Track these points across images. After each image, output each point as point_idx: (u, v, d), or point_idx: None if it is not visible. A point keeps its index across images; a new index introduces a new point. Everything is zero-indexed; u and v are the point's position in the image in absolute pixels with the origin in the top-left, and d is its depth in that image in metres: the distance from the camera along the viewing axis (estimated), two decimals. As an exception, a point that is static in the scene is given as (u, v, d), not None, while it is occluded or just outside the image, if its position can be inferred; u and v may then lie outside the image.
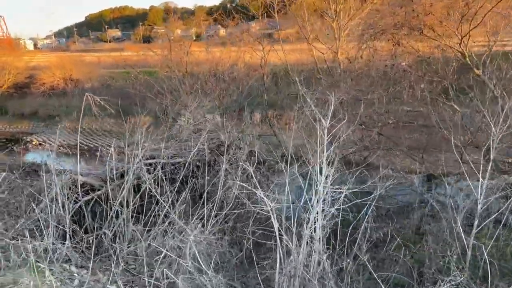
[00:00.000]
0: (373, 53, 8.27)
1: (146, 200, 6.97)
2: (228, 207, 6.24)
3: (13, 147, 28.69)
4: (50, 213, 6.33)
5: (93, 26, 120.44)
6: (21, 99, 36.09)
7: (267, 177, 7.60)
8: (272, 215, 4.31)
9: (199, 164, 7.62)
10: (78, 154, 7.12)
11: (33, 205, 6.48)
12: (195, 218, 6.44)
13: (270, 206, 4.39)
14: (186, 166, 7.62)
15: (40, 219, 6.08)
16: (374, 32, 7.84)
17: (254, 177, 4.73)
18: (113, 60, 48.47)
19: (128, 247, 5.43)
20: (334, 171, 4.49)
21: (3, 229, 6.18)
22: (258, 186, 4.61)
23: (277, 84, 15.34)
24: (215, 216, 6.07)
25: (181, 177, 7.27)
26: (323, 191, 4.61)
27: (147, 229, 6.30)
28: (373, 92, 6.45)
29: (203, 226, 6.52)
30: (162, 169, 7.50)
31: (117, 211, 6.81)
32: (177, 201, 6.97)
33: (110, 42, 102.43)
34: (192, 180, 7.21)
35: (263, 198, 4.44)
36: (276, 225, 4.29)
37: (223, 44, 17.70)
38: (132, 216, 6.65)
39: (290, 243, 4.34)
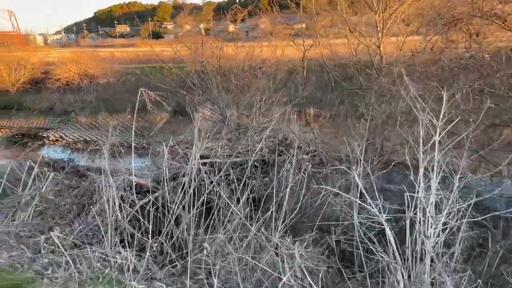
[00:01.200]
0: (445, 44, 7.65)
1: (205, 204, 6.43)
2: (319, 215, 5.67)
3: (28, 143, 28.53)
4: (108, 217, 5.84)
5: (102, 22, 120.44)
6: (37, 94, 35.81)
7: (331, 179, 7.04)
8: (386, 227, 3.75)
9: (257, 164, 7.08)
10: (133, 152, 6.60)
11: (92, 209, 5.98)
12: (259, 222, 5.92)
13: (382, 216, 3.82)
14: (241, 166, 7.08)
15: (100, 224, 5.57)
16: (446, 22, 7.22)
17: (360, 184, 4.13)
18: (127, 55, 48.26)
19: (204, 257, 4.89)
20: (461, 176, 3.92)
21: (63, 235, 5.68)
22: (363, 193, 4.05)
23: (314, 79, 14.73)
24: (294, 224, 5.52)
25: (241, 179, 6.73)
26: (435, 198, 4.02)
27: (211, 236, 5.77)
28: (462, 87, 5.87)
29: (269, 233, 5.99)
30: (218, 169, 6.98)
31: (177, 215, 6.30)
32: (238, 203, 6.46)
33: (118, 37, 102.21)
34: (252, 182, 6.66)
35: (371, 207, 3.87)
36: (391, 238, 3.73)
37: (251, 39, 17.08)
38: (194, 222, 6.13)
39: (401, 262, 3.78)
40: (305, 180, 6.28)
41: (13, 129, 32.10)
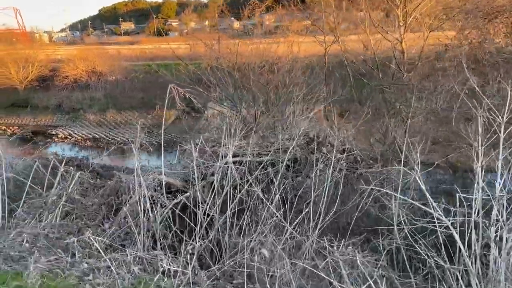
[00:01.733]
0: (483, 38, 7.36)
1: (237, 205, 6.18)
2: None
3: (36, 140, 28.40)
4: (141, 218, 5.61)
5: (106, 19, 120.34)
6: (45, 92, 35.73)
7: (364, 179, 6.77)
8: (454, 232, 3.49)
9: (289, 163, 6.82)
10: (163, 151, 6.36)
11: (123, 209, 5.75)
12: (295, 224, 5.67)
13: (448, 220, 3.56)
14: (272, 165, 6.83)
15: (132, 226, 5.35)
16: (485, 15, 6.93)
17: (422, 186, 3.84)
18: (133, 52, 48.05)
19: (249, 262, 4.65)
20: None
21: (95, 237, 5.46)
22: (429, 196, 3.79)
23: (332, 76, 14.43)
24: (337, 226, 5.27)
25: (273, 178, 6.48)
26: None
27: (250, 239, 5.53)
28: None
29: (303, 234, 5.75)
30: (248, 168, 6.73)
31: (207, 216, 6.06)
32: (271, 203, 6.22)
33: (123, 35, 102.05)
34: (285, 182, 6.41)
35: (436, 210, 3.61)
36: (460, 244, 3.47)
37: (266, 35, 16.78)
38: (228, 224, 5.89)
39: (474, 271, 3.51)
40: (341, 179, 6.02)
41: (28, 127, 31.93)
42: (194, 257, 5.27)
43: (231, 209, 5.83)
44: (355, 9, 13.31)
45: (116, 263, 4.52)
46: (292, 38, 14.35)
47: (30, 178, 6.81)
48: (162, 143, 6.44)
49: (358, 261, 3.60)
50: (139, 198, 6.00)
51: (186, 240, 5.86)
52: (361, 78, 12.09)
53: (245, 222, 6.14)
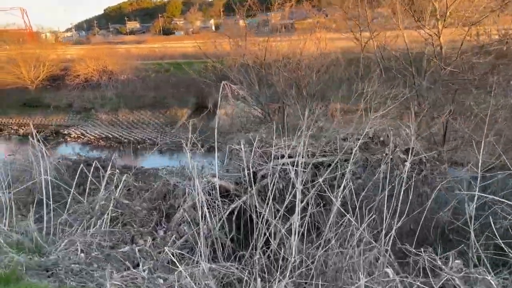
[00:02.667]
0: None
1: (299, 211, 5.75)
2: None
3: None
4: (200, 224, 5.20)
5: (111, 19, 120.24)
6: (56, 91, 35.46)
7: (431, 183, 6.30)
8: None
9: (347, 165, 6.38)
10: (216, 152, 5.93)
11: (179, 216, 5.35)
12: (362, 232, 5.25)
13: None
14: (328, 166, 6.39)
15: (195, 235, 4.95)
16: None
17: None
18: (142, 51, 47.70)
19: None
20: None
21: (148, 245, 5.07)
22: None
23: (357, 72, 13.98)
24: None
25: (331, 181, 6.05)
26: None
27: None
28: None
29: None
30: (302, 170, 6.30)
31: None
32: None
33: (129, 34, 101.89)
34: (346, 185, 5.97)
35: None
36: None
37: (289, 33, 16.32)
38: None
39: None
40: (412, 182, 5.58)
41: (41, 127, 31.61)
42: (257, 267, 4.88)
43: (298, 214, 5.40)
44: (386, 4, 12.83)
45: (187, 273, 4.12)
46: (319, 35, 13.89)
47: (73, 187, 6.43)
48: (216, 144, 6.02)
49: (492, 283, 3.15)
50: (195, 203, 5.61)
51: (244, 248, 5.46)
52: (397, 75, 11.62)
53: (305, 228, 5.73)
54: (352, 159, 5.75)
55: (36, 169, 7.17)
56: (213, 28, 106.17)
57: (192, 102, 33.12)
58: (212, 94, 34.68)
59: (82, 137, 29.48)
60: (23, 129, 32.59)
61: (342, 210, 5.89)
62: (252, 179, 6.25)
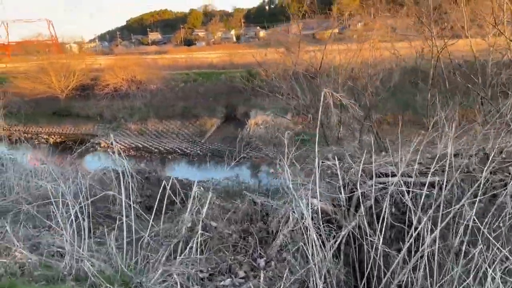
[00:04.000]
0: None
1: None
2: None
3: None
4: (310, 256, 4.45)
5: (133, 30, 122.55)
6: (85, 101, 35.64)
7: None
8: None
9: (464, 185, 5.57)
10: (318, 170, 5.20)
11: (286, 241, 4.62)
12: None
13: None
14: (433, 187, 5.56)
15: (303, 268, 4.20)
16: None
17: None
18: (167, 61, 47.88)
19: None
20: None
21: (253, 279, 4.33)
22: None
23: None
24: None
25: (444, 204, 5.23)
26: None
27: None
28: None
29: None
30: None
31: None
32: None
33: (151, 45, 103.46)
34: (463, 209, 5.14)
35: None
36: None
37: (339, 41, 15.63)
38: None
39: None
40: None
41: (71, 136, 31.65)
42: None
43: (421, 250, 4.59)
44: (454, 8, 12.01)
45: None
46: (375, 42, 13.13)
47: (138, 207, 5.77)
48: (317, 160, 5.27)
49: None
50: (295, 227, 4.87)
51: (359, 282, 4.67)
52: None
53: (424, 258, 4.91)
54: (474, 181, 4.93)
55: (115, 185, 6.63)
56: (234, 38, 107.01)
57: (221, 112, 32.73)
58: (240, 104, 34.49)
59: (113, 146, 29.25)
60: (52, 138, 32.77)
61: (465, 240, 5.06)
62: (355, 201, 5.48)
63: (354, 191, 5.80)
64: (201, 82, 36.58)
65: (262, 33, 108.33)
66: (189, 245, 5.00)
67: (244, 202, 5.86)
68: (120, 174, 5.70)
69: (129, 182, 6.46)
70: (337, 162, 5.81)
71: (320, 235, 4.72)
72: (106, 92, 35.09)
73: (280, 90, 13.97)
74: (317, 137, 5.33)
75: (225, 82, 36.32)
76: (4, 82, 37.88)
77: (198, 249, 4.98)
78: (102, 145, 29.50)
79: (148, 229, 5.31)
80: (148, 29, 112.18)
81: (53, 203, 5.19)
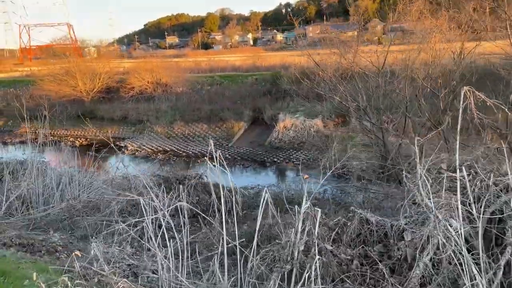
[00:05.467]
0: None
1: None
2: None
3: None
4: None
5: (151, 34, 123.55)
6: (110, 103, 35.38)
7: None
8: None
9: None
10: (458, 187, 4.33)
11: (418, 274, 3.74)
12: None
13: None
14: None
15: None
16: None
17: None
18: (188, 64, 47.52)
19: None
20: None
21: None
22: None
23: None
24: None
25: None
26: None
27: None
28: None
29: None
30: None
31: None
32: None
33: (168, 48, 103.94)
34: None
35: None
36: None
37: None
38: None
39: None
40: None
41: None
42: None
43: None
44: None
45: None
46: (437, 45, 12.16)
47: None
48: (458, 166, 4.38)
49: None
50: (447, 257, 3.99)
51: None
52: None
53: None
54: None
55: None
56: (251, 42, 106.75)
57: (247, 115, 31.97)
58: (267, 107, 33.69)
59: (139, 150, 28.79)
60: (79, 141, 32.50)
61: None
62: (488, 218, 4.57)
63: (485, 209, 4.88)
64: (226, 85, 35.93)
65: (279, 36, 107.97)
66: (306, 273, 4.16)
67: (354, 219, 5.01)
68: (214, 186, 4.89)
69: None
70: (465, 173, 4.90)
71: (478, 264, 3.85)
72: (131, 94, 34.76)
73: (328, 92, 13.15)
74: (457, 143, 4.44)
75: (251, 84, 35.64)
76: (31, 85, 38.03)
77: (319, 278, 4.15)
78: (129, 148, 29.04)
79: (253, 251, 4.49)
80: (165, 33, 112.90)
81: (146, 217, 4.43)
